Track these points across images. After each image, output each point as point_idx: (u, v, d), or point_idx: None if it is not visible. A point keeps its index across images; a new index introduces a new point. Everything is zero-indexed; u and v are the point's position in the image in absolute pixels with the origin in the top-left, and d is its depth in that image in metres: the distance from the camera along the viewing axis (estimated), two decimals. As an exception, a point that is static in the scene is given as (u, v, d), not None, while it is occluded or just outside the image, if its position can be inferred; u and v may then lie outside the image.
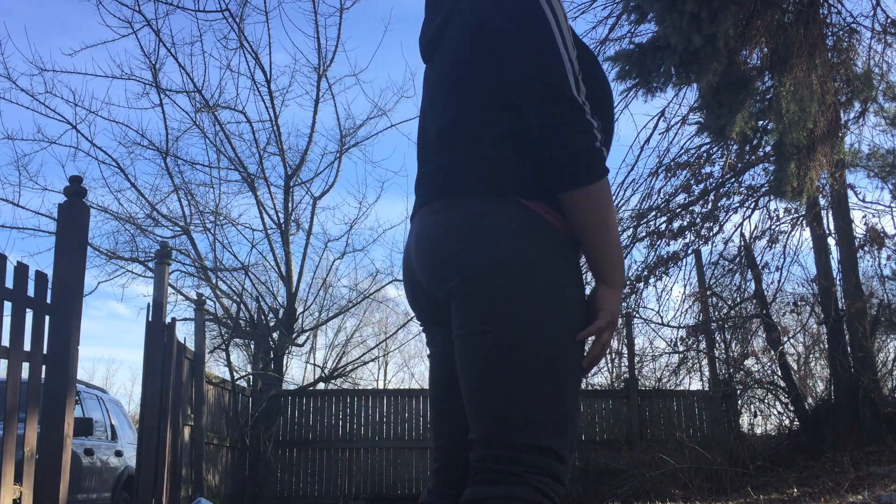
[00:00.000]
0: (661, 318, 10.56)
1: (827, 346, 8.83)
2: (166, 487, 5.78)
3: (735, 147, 9.16)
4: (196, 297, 9.01)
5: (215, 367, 14.14)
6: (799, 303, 9.62)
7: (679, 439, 8.64)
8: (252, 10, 20.39)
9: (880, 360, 9.29)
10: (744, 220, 10.04)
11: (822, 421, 8.25)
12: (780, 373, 9.03)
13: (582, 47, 1.50)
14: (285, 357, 11.09)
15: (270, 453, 9.85)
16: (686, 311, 10.21)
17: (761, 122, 8.48)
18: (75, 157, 16.04)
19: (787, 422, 9.15)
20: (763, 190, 9.59)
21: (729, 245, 10.16)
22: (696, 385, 10.54)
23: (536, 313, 1.32)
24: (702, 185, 9.96)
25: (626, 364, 10.45)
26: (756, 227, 10.11)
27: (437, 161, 1.47)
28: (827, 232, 8.89)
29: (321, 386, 11.86)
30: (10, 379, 3.28)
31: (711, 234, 9.96)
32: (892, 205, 9.36)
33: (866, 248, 8.86)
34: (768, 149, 8.78)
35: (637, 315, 10.41)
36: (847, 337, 8.45)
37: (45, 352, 3.48)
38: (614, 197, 10.12)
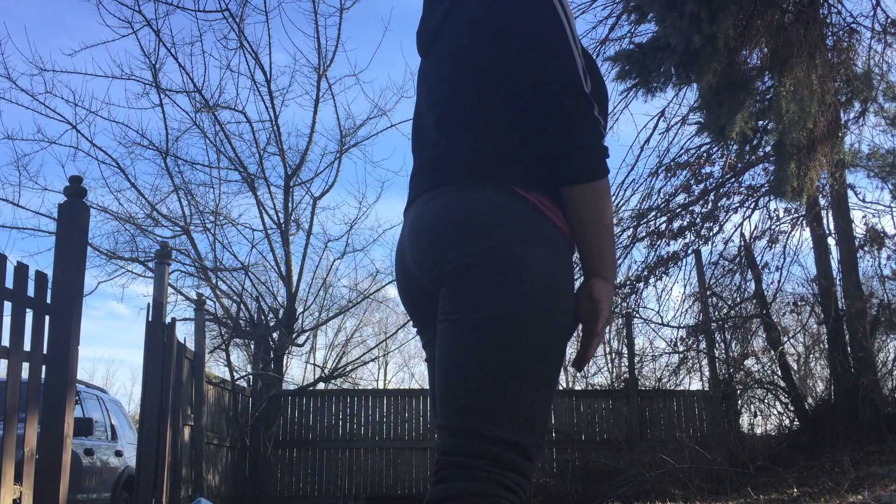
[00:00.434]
0: (661, 318, 10.59)
1: (827, 346, 8.83)
2: (166, 487, 5.78)
3: (735, 147, 9.16)
4: (196, 297, 9.01)
5: (215, 367, 14.15)
6: (799, 303, 9.63)
7: (679, 439, 8.64)
8: (252, 10, 20.40)
9: (880, 360, 9.30)
10: (744, 220, 10.06)
11: (822, 421, 8.25)
12: (780, 373, 9.03)
13: (581, 47, 1.51)
14: (285, 357, 11.09)
15: (270, 453, 9.84)
16: (686, 311, 10.22)
17: (761, 122, 8.48)
18: (75, 157, 16.06)
19: (787, 422, 9.15)
20: (763, 190, 9.60)
21: (729, 245, 10.17)
22: (696, 385, 10.55)
23: (527, 307, 1.31)
24: (702, 185, 9.96)
25: (626, 364, 10.46)
26: (756, 227, 10.13)
27: (434, 151, 1.47)
28: (827, 232, 8.89)
29: (321, 386, 11.86)
30: (10, 379, 3.28)
31: (711, 234, 9.97)
32: (892, 205, 9.38)
33: (866, 248, 8.87)
34: (768, 149, 8.78)
35: (637, 315, 10.41)
36: (847, 337, 8.45)
37: (45, 352, 3.48)
38: (614, 197, 10.22)
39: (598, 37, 9.77)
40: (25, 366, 3.40)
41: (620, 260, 10.44)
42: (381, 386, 23.13)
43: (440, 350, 1.37)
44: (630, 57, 8.03)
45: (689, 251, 10.00)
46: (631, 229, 10.22)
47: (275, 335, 10.78)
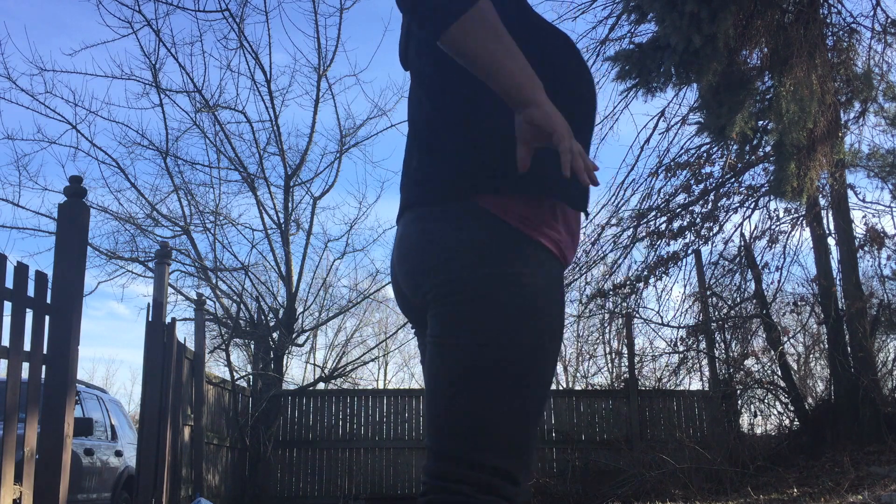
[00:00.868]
0: (661, 318, 10.58)
1: (827, 346, 8.83)
2: (166, 487, 5.78)
3: (735, 147, 9.16)
4: (196, 297, 9.00)
5: (215, 367, 14.15)
6: (799, 303, 9.63)
7: (679, 439, 8.64)
8: (252, 10, 20.40)
9: (880, 360, 9.30)
10: (744, 220, 10.06)
11: (822, 421, 8.25)
12: (780, 373, 9.03)
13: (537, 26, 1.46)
14: (285, 357, 11.09)
15: (270, 453, 9.84)
16: (686, 311, 10.22)
17: (761, 122, 8.48)
18: (75, 157, 16.06)
19: (787, 422, 9.15)
20: (763, 190, 9.60)
21: (729, 245, 10.18)
22: (696, 385, 10.55)
23: (510, 333, 1.30)
24: (702, 185, 9.97)
25: (626, 364, 10.46)
26: (756, 227, 10.13)
27: (411, 165, 1.47)
28: (827, 232, 8.89)
29: (321, 386, 11.86)
30: (10, 379, 3.28)
31: (711, 234, 9.98)
32: (892, 205, 9.38)
33: (866, 248, 8.87)
34: (768, 149, 8.78)
35: (637, 315, 10.41)
36: (847, 337, 8.45)
37: (45, 352, 3.48)
38: (614, 197, 10.21)
39: (598, 37, 9.79)
40: (25, 366, 3.40)
41: (621, 260, 10.45)
42: (381, 386, 23.13)
43: (427, 371, 1.37)
44: (630, 57, 8.03)
45: (689, 251, 10.00)
46: (631, 229, 10.22)
47: (275, 335, 10.78)
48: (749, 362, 9.49)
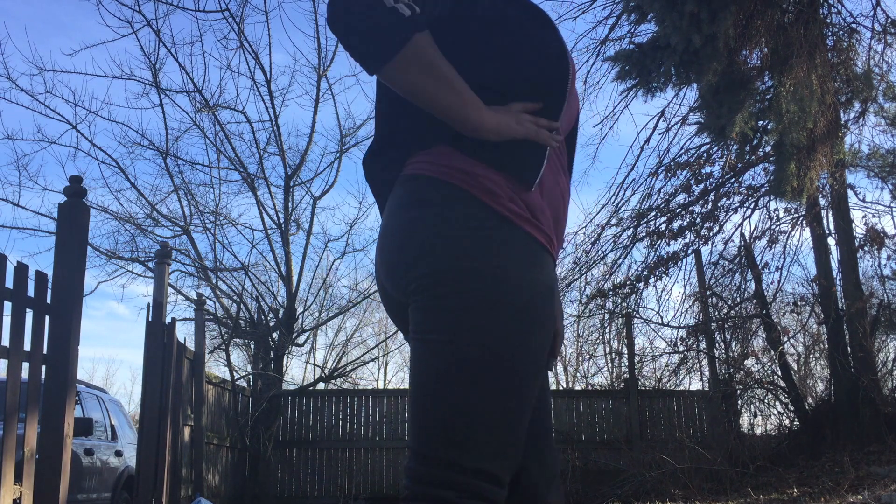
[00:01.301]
0: (661, 318, 10.58)
1: (827, 346, 8.83)
2: (166, 487, 5.78)
3: (735, 147, 9.16)
4: (196, 297, 9.01)
5: (215, 367, 14.16)
6: (799, 303, 9.63)
7: (679, 439, 8.64)
8: (252, 10, 20.44)
9: (880, 360, 9.30)
10: (744, 220, 10.06)
11: (822, 421, 8.25)
12: (780, 373, 9.03)
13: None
14: (285, 357, 11.09)
15: (270, 453, 9.84)
16: (686, 311, 10.22)
17: (761, 122, 8.48)
18: (75, 157, 16.05)
19: (787, 422, 9.15)
20: (763, 190, 9.60)
21: (729, 245, 10.18)
22: (696, 385, 10.56)
23: (495, 329, 1.24)
24: (702, 185, 9.97)
25: (626, 364, 10.46)
26: (756, 227, 10.14)
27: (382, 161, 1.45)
28: (827, 232, 8.89)
29: (321, 386, 11.86)
30: (10, 379, 3.28)
31: (711, 234, 9.98)
32: (892, 205, 9.38)
33: (866, 248, 8.87)
34: (768, 149, 8.78)
35: (637, 315, 10.41)
36: (847, 337, 8.45)
37: (45, 352, 3.48)
38: (614, 197, 10.21)
39: (598, 37, 9.81)
40: (25, 366, 3.40)
41: (621, 260, 10.45)
42: (381, 386, 23.14)
43: (410, 369, 1.32)
44: (630, 57, 8.03)
45: (689, 251, 10.00)
46: (631, 229, 10.23)
47: (275, 335, 10.78)
48: (749, 362, 9.50)
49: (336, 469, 10.02)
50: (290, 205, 11.36)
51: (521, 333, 1.27)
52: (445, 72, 1.26)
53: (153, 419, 5.57)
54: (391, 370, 25.55)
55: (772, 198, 9.33)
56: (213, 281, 10.96)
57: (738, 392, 9.49)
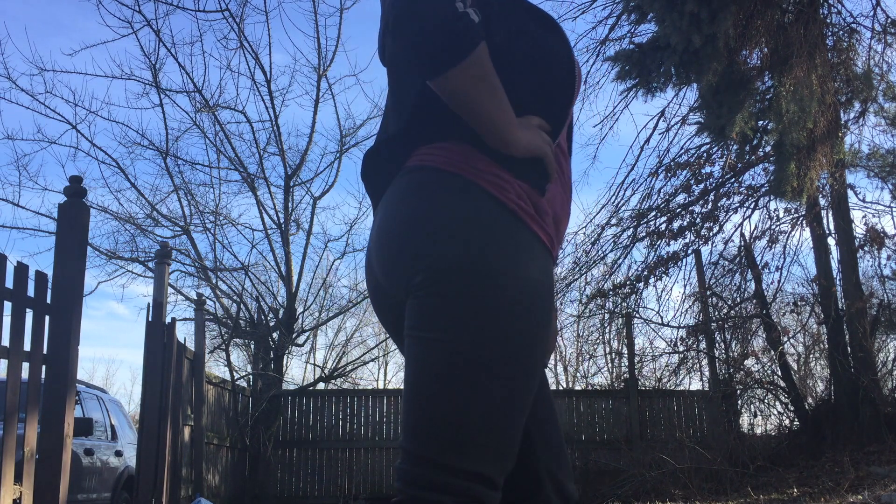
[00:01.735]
0: (661, 318, 10.59)
1: (827, 346, 8.83)
2: (166, 487, 5.78)
3: (735, 147, 9.16)
4: (196, 297, 9.01)
5: (215, 367, 14.15)
6: (799, 303, 9.63)
7: (679, 439, 8.64)
8: (252, 10, 20.43)
9: (880, 360, 9.30)
10: (744, 220, 10.06)
11: (822, 421, 8.25)
12: (780, 373, 9.03)
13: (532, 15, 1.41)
14: (285, 357, 11.09)
15: (270, 453, 9.85)
16: (686, 311, 10.23)
17: (761, 122, 8.48)
18: (75, 157, 16.06)
19: (787, 422, 9.15)
20: (763, 190, 9.60)
21: (729, 245, 10.18)
22: (696, 385, 10.56)
23: (497, 329, 1.22)
24: (702, 185, 9.97)
25: (626, 364, 10.46)
26: (756, 227, 10.14)
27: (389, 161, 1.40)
28: (827, 232, 8.89)
29: (321, 386, 11.86)
30: (10, 379, 3.28)
31: (711, 234, 9.98)
32: (892, 205, 9.38)
33: (866, 248, 8.87)
34: (768, 149, 8.79)
35: (637, 315, 10.41)
36: (847, 337, 8.45)
37: (45, 352, 3.48)
38: (614, 197, 10.22)
39: (598, 37, 9.80)
40: (25, 366, 3.40)
41: (621, 260, 10.45)
42: (381, 386, 23.12)
43: (406, 367, 1.28)
44: (630, 57, 8.03)
45: (689, 251, 10.00)
46: (631, 229, 10.23)
47: (275, 335, 10.79)
48: (749, 362, 9.50)
49: (336, 469, 10.02)
50: (290, 205, 11.36)
51: (523, 335, 1.24)
52: (497, 84, 1.24)
53: (153, 419, 5.57)
54: (391, 370, 25.53)
55: (772, 198, 9.33)
56: (213, 281, 10.96)
57: (738, 392, 9.50)
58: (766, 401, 9.49)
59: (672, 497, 7.28)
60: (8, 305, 3.30)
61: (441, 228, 1.24)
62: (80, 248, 3.71)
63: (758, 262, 9.62)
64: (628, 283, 10.25)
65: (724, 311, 9.96)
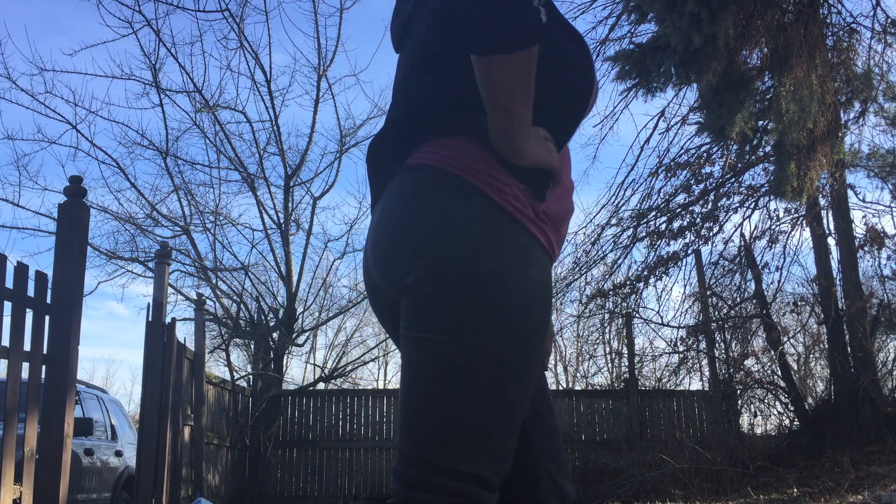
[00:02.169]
0: (661, 318, 10.59)
1: (827, 346, 8.83)
2: (166, 487, 5.78)
3: (735, 147, 9.16)
4: (196, 297, 9.01)
5: (215, 367, 14.16)
6: (799, 303, 9.63)
7: (679, 439, 8.64)
8: (252, 10, 20.44)
9: (880, 360, 9.30)
10: (744, 220, 10.06)
11: (822, 421, 8.25)
12: (780, 373, 9.03)
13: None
14: (285, 357, 11.09)
15: (270, 453, 9.85)
16: (686, 311, 10.23)
17: (761, 122, 8.48)
18: (75, 157, 16.06)
19: (787, 422, 9.15)
20: (763, 190, 9.60)
21: (729, 245, 10.18)
22: (696, 385, 10.56)
23: (493, 330, 1.21)
24: (702, 185, 9.97)
25: (626, 364, 10.46)
26: (756, 227, 10.14)
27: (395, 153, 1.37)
28: (827, 232, 8.89)
29: (321, 386, 11.86)
30: (10, 379, 3.28)
31: (711, 234, 9.98)
32: (892, 205, 9.38)
33: (866, 248, 8.87)
34: (768, 149, 8.79)
35: (637, 315, 10.41)
36: (847, 337, 8.45)
37: (45, 352, 3.48)
38: (614, 197, 10.22)
39: (598, 37, 9.79)
40: (25, 366, 3.40)
41: (621, 260, 10.46)
42: (381, 386, 23.12)
43: (402, 368, 1.27)
44: (630, 57, 8.03)
45: (689, 251, 10.00)
46: (631, 229, 10.23)
47: (275, 335, 10.79)
48: (749, 362, 9.50)
49: (336, 469, 10.02)
50: (290, 205, 11.36)
51: (520, 336, 1.24)
52: (531, 92, 1.22)
53: (153, 419, 5.57)
54: (391, 370, 25.53)
55: (772, 198, 9.33)
56: (213, 281, 10.96)
57: (738, 392, 9.50)
58: (766, 401, 9.49)
59: (672, 497, 7.28)
60: (8, 305, 3.30)
61: (437, 229, 1.24)
62: (80, 248, 3.71)
63: (758, 262, 9.62)
64: (628, 283, 10.25)
65: (724, 311, 9.96)
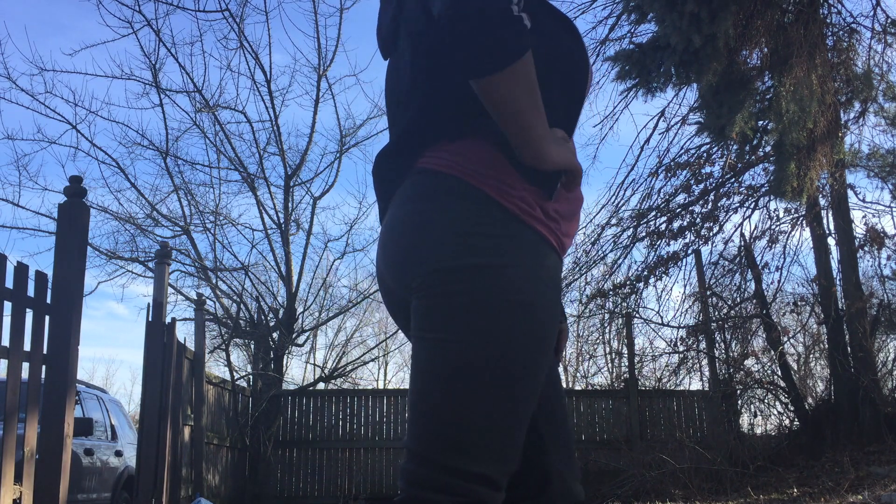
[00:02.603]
0: (661, 318, 10.58)
1: (827, 346, 8.83)
2: (166, 487, 5.78)
3: (735, 147, 9.16)
4: (196, 297, 9.01)
5: (215, 367, 14.16)
6: (799, 303, 9.63)
7: (679, 439, 8.64)
8: (252, 10, 20.44)
9: (880, 360, 9.30)
10: (744, 220, 10.06)
11: (822, 421, 8.25)
12: (780, 373, 9.03)
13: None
14: (285, 357, 11.09)
15: (270, 453, 9.85)
16: (686, 311, 10.22)
17: (761, 122, 8.48)
18: (75, 157, 16.05)
19: (787, 422, 9.15)
20: (763, 190, 9.60)
21: (729, 245, 10.18)
22: (696, 385, 10.56)
23: (499, 328, 1.22)
24: (702, 185, 9.97)
25: (626, 364, 10.46)
26: (756, 227, 10.13)
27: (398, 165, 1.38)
28: (827, 232, 8.89)
29: (321, 386, 11.86)
30: (10, 379, 3.28)
31: (711, 234, 9.98)
32: (892, 205, 9.38)
33: (866, 248, 8.87)
34: (768, 149, 8.78)
35: (637, 315, 10.41)
36: (847, 337, 8.45)
37: (45, 352, 3.48)
38: (614, 197, 10.22)
39: (598, 37, 9.79)
40: (25, 366, 3.40)
41: (621, 260, 10.45)
42: (381, 386, 23.14)
43: (411, 367, 1.29)
44: (630, 57, 8.03)
45: (689, 251, 10.00)
46: (631, 229, 10.23)
47: (275, 335, 10.79)
48: (749, 362, 9.50)
49: (336, 469, 10.02)
50: (290, 205, 11.36)
51: (527, 335, 1.24)
52: (537, 96, 1.21)
53: (153, 419, 5.57)
54: (391, 370, 25.57)
55: (772, 198, 9.33)
56: (213, 281, 10.96)
57: (738, 392, 9.49)
58: (766, 401, 9.49)
59: (672, 497, 7.27)
60: (8, 305, 3.30)
61: (442, 233, 1.25)
62: (80, 248, 3.71)
63: (758, 262, 9.61)
64: (628, 283, 10.24)
65: (724, 311, 9.96)
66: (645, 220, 10.15)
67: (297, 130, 38.96)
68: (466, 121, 1.31)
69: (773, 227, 9.70)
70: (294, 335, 11.09)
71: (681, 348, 10.03)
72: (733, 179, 9.93)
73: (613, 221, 10.29)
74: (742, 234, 9.94)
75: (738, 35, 7.73)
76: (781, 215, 9.67)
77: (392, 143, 1.40)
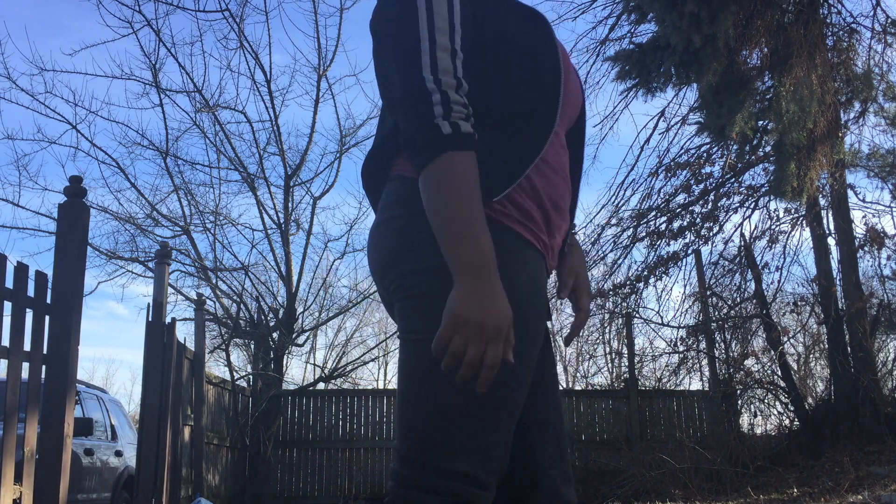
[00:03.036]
0: (661, 318, 10.58)
1: (827, 346, 8.83)
2: (166, 487, 5.78)
3: (735, 147, 9.16)
4: (196, 297, 9.01)
5: (215, 367, 14.16)
6: (799, 303, 9.62)
7: (679, 439, 8.64)
8: (252, 10, 20.44)
9: (880, 360, 9.29)
10: (744, 220, 10.05)
11: (822, 421, 8.25)
12: (780, 373, 9.03)
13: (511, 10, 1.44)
14: (285, 357, 11.09)
15: (270, 453, 9.84)
16: (686, 311, 10.22)
17: (761, 122, 8.48)
18: (75, 157, 16.06)
19: (787, 422, 9.15)
20: (763, 190, 9.60)
21: (729, 245, 10.17)
22: (696, 385, 10.56)
23: None
24: (702, 185, 9.97)
25: (626, 364, 10.46)
26: (756, 227, 10.12)
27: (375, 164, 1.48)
28: (827, 232, 8.89)
29: (321, 386, 11.86)
30: (10, 379, 3.28)
31: (711, 234, 9.97)
32: (892, 205, 9.38)
33: (866, 248, 8.86)
34: (768, 149, 8.78)
35: (637, 315, 10.41)
36: (847, 337, 8.45)
37: (45, 352, 3.48)
38: (614, 197, 10.21)
39: (598, 37, 9.80)
40: (25, 366, 3.40)
41: (621, 260, 10.45)
42: (381, 386, 23.13)
43: (398, 367, 1.33)
44: (630, 57, 8.03)
45: (689, 251, 10.00)
46: (631, 229, 10.22)
47: (275, 335, 10.79)
48: (749, 362, 9.49)
49: (336, 469, 10.02)
50: (290, 205, 11.36)
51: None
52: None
53: (153, 419, 5.57)
54: (391, 370, 25.53)
55: (772, 198, 9.32)
56: (213, 281, 10.96)
57: (738, 392, 9.49)
58: (766, 401, 9.49)
59: (672, 497, 7.27)
60: (8, 305, 3.30)
61: (417, 235, 1.28)
62: (80, 248, 3.71)
63: (758, 262, 9.61)
64: (628, 283, 10.24)
65: (724, 311, 9.96)
66: (645, 220, 10.15)
67: (297, 130, 39.02)
68: None
69: (773, 227, 9.70)
70: (294, 335, 11.09)
71: (681, 348, 10.04)
72: (733, 179, 9.93)
73: (613, 221, 10.29)
74: (742, 234, 9.95)
75: (738, 35, 7.73)
76: (781, 215, 9.68)
77: (371, 149, 1.47)
